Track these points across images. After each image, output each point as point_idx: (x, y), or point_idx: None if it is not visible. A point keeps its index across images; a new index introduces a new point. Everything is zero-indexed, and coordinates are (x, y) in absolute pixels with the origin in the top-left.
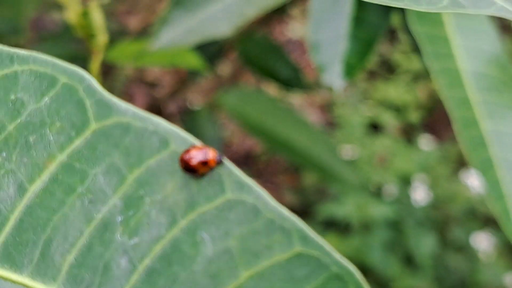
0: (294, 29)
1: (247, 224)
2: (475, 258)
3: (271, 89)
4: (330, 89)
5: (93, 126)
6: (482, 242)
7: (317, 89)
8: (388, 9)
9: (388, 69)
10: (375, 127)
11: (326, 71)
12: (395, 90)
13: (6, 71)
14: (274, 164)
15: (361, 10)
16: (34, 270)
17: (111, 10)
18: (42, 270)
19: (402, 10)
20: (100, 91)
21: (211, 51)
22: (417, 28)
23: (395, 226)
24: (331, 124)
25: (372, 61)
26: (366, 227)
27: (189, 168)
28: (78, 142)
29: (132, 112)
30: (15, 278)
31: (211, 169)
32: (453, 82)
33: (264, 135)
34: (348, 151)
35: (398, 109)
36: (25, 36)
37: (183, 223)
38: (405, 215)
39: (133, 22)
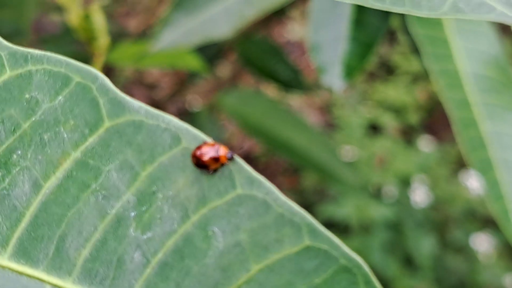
0: (294, 30)
1: (257, 219)
2: (474, 259)
3: (270, 91)
4: (330, 90)
5: (107, 124)
6: (482, 243)
7: (316, 90)
8: (388, 12)
9: (387, 70)
10: (374, 128)
11: (326, 72)
12: (394, 91)
13: (20, 70)
14: (274, 165)
15: (361, 12)
16: (49, 264)
17: (110, 12)
18: (57, 264)
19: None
20: (113, 90)
21: (211, 52)
22: (416, 30)
23: (395, 227)
24: (331, 126)
25: (372, 63)
26: (366, 228)
27: (201, 164)
28: (91, 140)
29: (144, 110)
30: (30, 273)
31: (222, 165)
32: (452, 83)
33: (264, 136)
34: (347, 152)
35: (397, 110)
36: (27, 38)
37: (194, 218)
38: (404, 216)
39: (133, 24)
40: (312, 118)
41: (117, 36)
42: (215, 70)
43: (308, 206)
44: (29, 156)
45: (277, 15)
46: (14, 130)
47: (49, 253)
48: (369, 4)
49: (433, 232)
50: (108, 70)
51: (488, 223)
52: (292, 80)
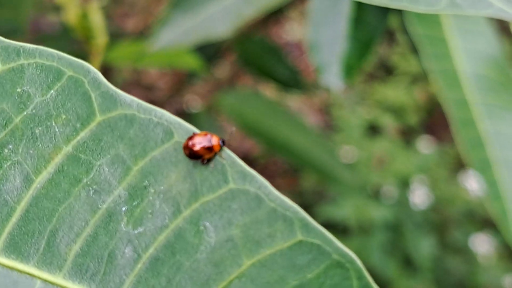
0: (293, 31)
1: (249, 213)
2: (474, 260)
3: (269, 91)
4: (328, 89)
5: (98, 118)
6: (481, 244)
7: (315, 91)
8: (386, 10)
9: (386, 71)
10: (373, 129)
11: (325, 71)
12: (393, 92)
13: (12, 64)
14: (273, 166)
15: (360, 11)
16: (40, 259)
17: (109, 12)
18: (48, 259)
19: (400, 12)
20: (105, 84)
21: (209, 53)
22: (415, 30)
23: (394, 228)
24: (330, 126)
25: (371, 63)
26: (365, 229)
27: (194, 155)
28: (83, 134)
29: (136, 104)
30: (21, 268)
31: (215, 154)
32: (451, 83)
33: (263, 137)
34: (346, 153)
35: (396, 111)
36: (24, 38)
37: (186, 212)
38: (404, 217)
39: (131, 25)
40: (311, 119)
41: (115, 37)
42: (214, 70)
43: (307, 207)
44: (20, 150)
45: (276, 15)
46: (5, 124)
47: (40, 248)
48: (368, 0)
49: (432, 233)
50: (106, 71)
51: (488, 224)
52: (291, 80)
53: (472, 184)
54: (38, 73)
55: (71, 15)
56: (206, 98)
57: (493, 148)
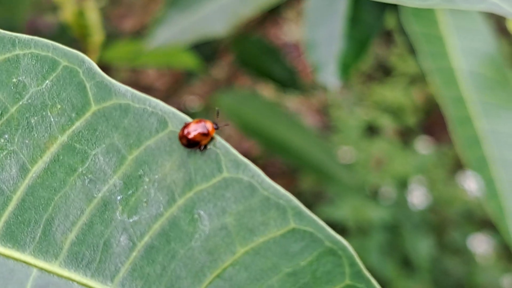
0: (290, 31)
1: (243, 202)
2: (472, 261)
3: (267, 92)
4: (325, 88)
5: (93, 107)
6: (479, 244)
7: (313, 91)
8: (382, 9)
9: (384, 72)
10: (371, 130)
11: (322, 70)
12: (391, 93)
13: (8, 55)
14: (271, 167)
15: (356, 10)
16: (36, 248)
17: (106, 13)
18: (44, 248)
19: (397, 11)
20: (100, 73)
21: (207, 53)
22: (412, 28)
23: (392, 228)
24: (328, 127)
25: (368, 64)
26: (363, 230)
27: (191, 142)
28: (78, 124)
29: (131, 94)
30: (17, 256)
31: (212, 139)
32: (448, 81)
33: (261, 137)
34: (345, 154)
35: (394, 112)
36: None
37: (181, 201)
38: (402, 218)
39: (128, 25)
40: (309, 119)
41: (113, 37)
42: (212, 71)
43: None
44: (16, 140)
45: (273, 16)
46: (1, 114)
47: (36, 236)
48: None
49: (430, 234)
50: (104, 71)
51: (486, 225)
52: (289, 80)
53: (470, 184)
54: (34, 63)
55: (68, 12)
56: (204, 98)
57: (490, 146)
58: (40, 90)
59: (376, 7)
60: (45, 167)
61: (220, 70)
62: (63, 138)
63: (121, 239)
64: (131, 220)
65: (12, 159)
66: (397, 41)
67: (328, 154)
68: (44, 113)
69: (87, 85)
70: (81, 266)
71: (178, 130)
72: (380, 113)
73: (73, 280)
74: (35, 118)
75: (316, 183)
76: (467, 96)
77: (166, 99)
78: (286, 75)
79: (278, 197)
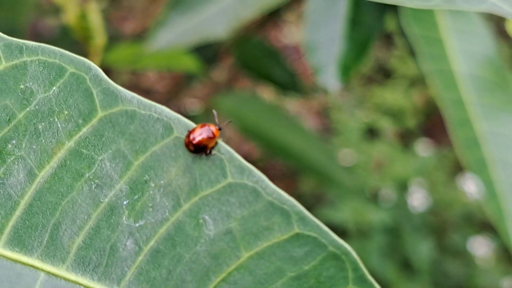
0: (291, 34)
1: (247, 207)
2: (472, 263)
3: (268, 95)
4: (325, 90)
5: (100, 114)
6: (480, 247)
7: (313, 94)
8: (382, 11)
9: (384, 74)
10: (372, 132)
11: (322, 72)
12: (392, 95)
13: (15, 61)
14: (271, 169)
15: (356, 12)
16: (43, 252)
17: (107, 16)
18: (51, 252)
19: (397, 13)
20: (106, 80)
21: (208, 56)
22: (412, 30)
23: (393, 231)
24: (328, 130)
25: (368, 67)
26: (364, 232)
27: (198, 147)
28: (85, 130)
29: (137, 100)
30: (25, 260)
31: (217, 141)
32: (448, 83)
33: (261, 140)
34: (345, 156)
35: (395, 114)
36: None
37: (186, 206)
38: (402, 220)
39: (129, 28)
40: (310, 122)
41: (114, 40)
42: (212, 73)
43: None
44: (23, 145)
45: (274, 19)
46: (9, 120)
47: (43, 241)
48: None
49: (431, 236)
50: (105, 73)
51: (486, 227)
52: (289, 82)
53: (470, 187)
54: (41, 70)
55: (70, 15)
56: (204, 101)
57: (490, 148)
58: (47, 96)
59: (376, 9)
60: (53, 172)
61: (220, 72)
62: (70, 144)
63: (128, 243)
64: (137, 225)
65: (20, 164)
66: (397, 44)
67: (329, 156)
68: (51, 119)
69: (94, 92)
70: (88, 270)
71: (183, 136)
72: (380, 116)
73: (80, 284)
74: (43, 124)
75: (316, 186)
76: (466, 98)
77: (166, 101)
78: (287, 77)
79: (282, 202)
